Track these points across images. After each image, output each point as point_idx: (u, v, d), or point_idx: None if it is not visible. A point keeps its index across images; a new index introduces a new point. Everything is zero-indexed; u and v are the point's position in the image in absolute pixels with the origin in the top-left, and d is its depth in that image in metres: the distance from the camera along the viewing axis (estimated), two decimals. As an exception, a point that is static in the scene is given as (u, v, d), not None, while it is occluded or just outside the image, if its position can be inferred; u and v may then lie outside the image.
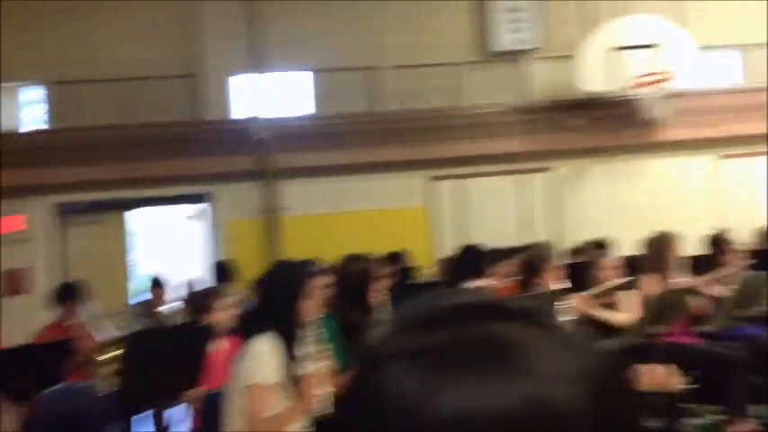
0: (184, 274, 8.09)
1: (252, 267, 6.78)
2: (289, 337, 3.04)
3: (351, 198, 9.49)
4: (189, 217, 10.48)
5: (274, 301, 3.08)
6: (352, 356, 3.51)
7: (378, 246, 7.71)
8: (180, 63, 9.64)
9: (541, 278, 4.73)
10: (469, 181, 9.94)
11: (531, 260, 4.95)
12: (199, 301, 4.34)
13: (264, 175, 9.50)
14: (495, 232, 8.55)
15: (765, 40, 10.36)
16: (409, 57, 9.96)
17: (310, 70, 10.02)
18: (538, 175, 10.09)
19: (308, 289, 3.12)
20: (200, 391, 3.88)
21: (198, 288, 7.18)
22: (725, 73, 10.59)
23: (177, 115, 9.50)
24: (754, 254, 6.42)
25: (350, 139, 9.51)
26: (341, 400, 0.57)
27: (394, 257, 7.82)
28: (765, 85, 10.29)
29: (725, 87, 10.40)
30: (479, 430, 0.47)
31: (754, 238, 8.09)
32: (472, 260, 4.42)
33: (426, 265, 8.63)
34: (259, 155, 9.42)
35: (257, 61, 9.57)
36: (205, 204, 9.88)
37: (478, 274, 4.28)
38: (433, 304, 0.55)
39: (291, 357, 3.03)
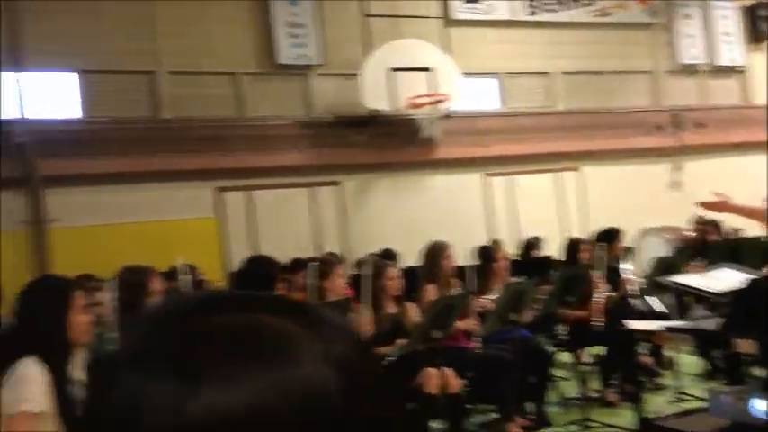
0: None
1: (16, 285, 6.10)
2: (58, 359, 2.76)
3: (131, 209, 8.89)
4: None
5: (37, 319, 2.78)
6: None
7: (164, 260, 7.29)
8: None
9: (330, 283, 4.76)
10: (257, 193, 9.80)
11: (319, 265, 4.98)
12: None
13: (27, 182, 8.62)
14: (285, 245, 8.50)
15: (519, 69, 11.52)
16: (187, 63, 9.61)
17: (77, 71, 9.27)
18: (325, 189, 10.23)
19: (76, 305, 2.86)
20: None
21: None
22: (486, 98, 11.55)
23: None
24: (519, 263, 7.04)
25: (125, 146, 8.93)
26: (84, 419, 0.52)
27: (175, 271, 7.44)
28: (521, 110, 11.44)
29: (486, 111, 11.35)
30: (238, 424, 0.45)
31: (519, 249, 8.88)
32: (260, 271, 4.33)
33: (217, 279, 8.34)
34: (21, 160, 8.54)
35: (16, 59, 8.68)
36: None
37: (267, 285, 4.20)
38: (172, 304, 0.53)
39: (62, 381, 2.75)
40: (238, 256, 9.12)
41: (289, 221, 9.79)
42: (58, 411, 2.70)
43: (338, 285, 4.81)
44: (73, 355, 2.88)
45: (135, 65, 9.44)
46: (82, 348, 3.08)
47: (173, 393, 0.45)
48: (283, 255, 6.22)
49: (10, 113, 8.63)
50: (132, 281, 3.45)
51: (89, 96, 9.30)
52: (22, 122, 8.54)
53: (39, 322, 2.77)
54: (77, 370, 2.94)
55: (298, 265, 5.97)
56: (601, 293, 6.03)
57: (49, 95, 9.15)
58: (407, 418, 0.54)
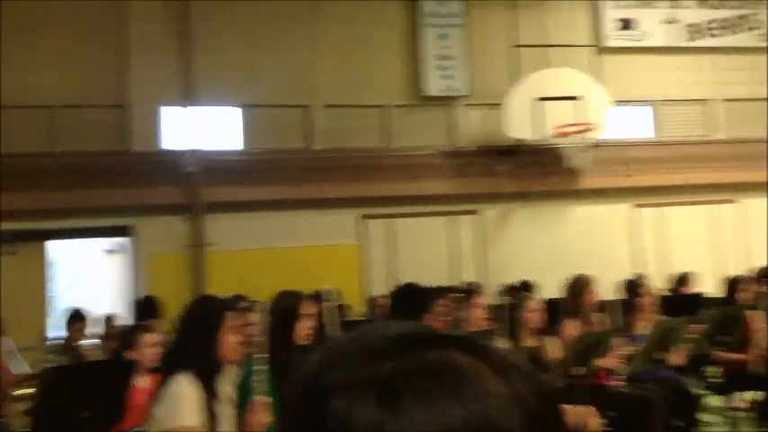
0: (102, 309, 7.80)
1: (175, 303, 6.59)
2: (208, 376, 2.95)
3: (280, 234, 9.41)
4: (109, 250, 10.13)
5: (193, 337, 2.98)
6: (281, 396, 3.44)
7: (308, 283, 7.63)
8: (109, 92, 9.44)
9: (469, 313, 4.77)
10: (399, 221, 10.03)
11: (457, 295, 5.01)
12: (123, 336, 4.20)
13: (191, 208, 9.33)
14: (424, 272, 8.61)
15: (675, 96, 11.03)
16: (341, 96, 10.07)
17: (239, 105, 9.97)
18: (465, 217, 10.28)
19: (228, 325, 3.05)
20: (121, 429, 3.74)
21: (117, 324, 6.96)
22: (638, 126, 11.16)
23: (105, 145, 9.28)
24: (668, 299, 6.70)
25: (279, 175, 9.48)
26: None
27: (319, 296, 7.72)
28: (676, 138, 10.92)
29: (639, 140, 10.94)
30: None
31: (668, 284, 8.46)
32: (410, 298, 4.44)
33: (355, 303, 8.59)
34: (186, 188, 9.26)
35: (187, 94, 9.48)
36: (127, 237, 9.60)
37: (417, 312, 4.29)
38: (372, 335, 0.57)
39: (212, 397, 2.94)
40: (377, 282, 9.39)
41: (428, 249, 9.93)
42: (206, 425, 2.90)
43: (477, 316, 4.81)
44: (222, 372, 3.08)
45: (293, 99, 10.00)
46: (231, 366, 3.30)
47: (377, 419, 0.51)
48: (419, 282, 6.30)
49: (179, 145, 9.41)
50: (286, 304, 3.63)
51: (249, 129, 9.96)
52: (190, 153, 9.27)
53: (193, 340, 2.98)
54: (226, 386, 3.14)
55: (434, 292, 5.99)
56: (762, 336, 5.61)
57: (214, 128, 9.90)
58: None
